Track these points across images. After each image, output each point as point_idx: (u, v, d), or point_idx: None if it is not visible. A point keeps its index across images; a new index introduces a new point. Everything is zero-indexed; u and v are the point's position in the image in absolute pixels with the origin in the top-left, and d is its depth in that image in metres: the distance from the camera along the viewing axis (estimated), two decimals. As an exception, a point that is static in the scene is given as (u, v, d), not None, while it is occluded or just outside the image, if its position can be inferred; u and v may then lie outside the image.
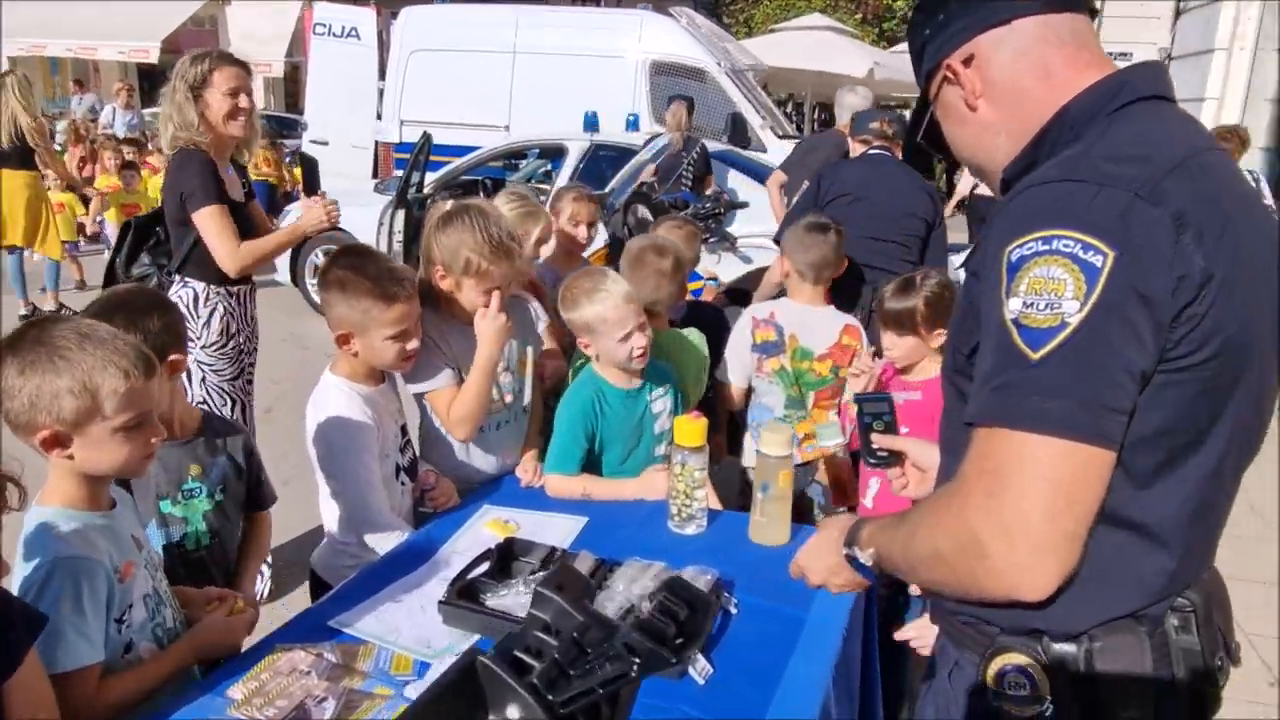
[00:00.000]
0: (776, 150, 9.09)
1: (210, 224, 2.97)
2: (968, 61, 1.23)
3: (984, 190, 5.88)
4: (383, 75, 10.50)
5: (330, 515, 2.09)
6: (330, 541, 2.12)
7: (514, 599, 1.74)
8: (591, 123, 7.84)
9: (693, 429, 2.13)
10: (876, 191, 3.41)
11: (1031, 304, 0.99)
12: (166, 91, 3.02)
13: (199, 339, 3.05)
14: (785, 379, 3.06)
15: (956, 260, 3.95)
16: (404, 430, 2.22)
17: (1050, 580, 1.02)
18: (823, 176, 3.56)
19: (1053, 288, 0.98)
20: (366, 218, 6.91)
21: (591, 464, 2.39)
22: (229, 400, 3.17)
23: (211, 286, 3.09)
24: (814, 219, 3.23)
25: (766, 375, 3.06)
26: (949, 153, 1.37)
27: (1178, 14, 11.73)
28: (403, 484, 2.18)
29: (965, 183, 8.17)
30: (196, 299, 3.07)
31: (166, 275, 3.12)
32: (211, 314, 3.10)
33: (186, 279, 3.09)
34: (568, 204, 3.30)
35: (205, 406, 2.99)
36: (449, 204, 2.31)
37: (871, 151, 3.57)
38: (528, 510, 2.25)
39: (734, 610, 1.84)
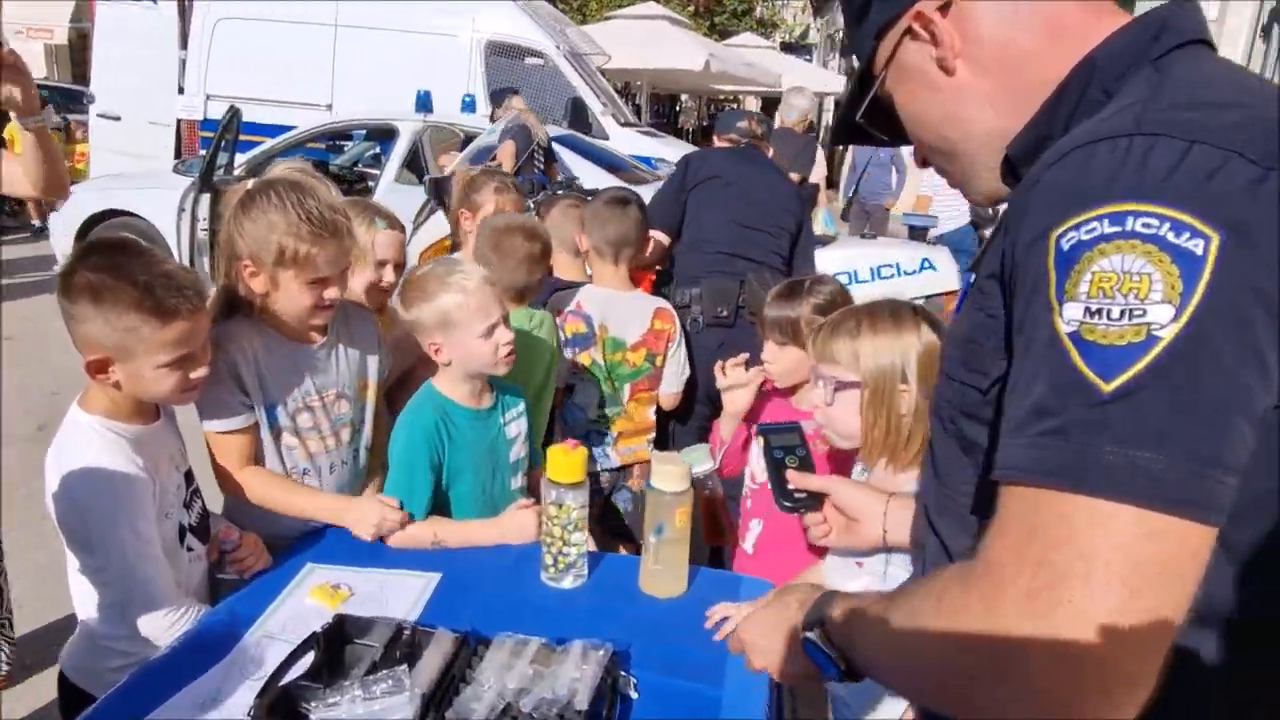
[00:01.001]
0: (619, 138, 8.81)
1: None
2: (945, 9, 0.92)
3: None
4: (185, 44, 9.46)
5: (86, 600, 1.56)
6: (87, 635, 1.58)
7: (349, 710, 1.30)
8: (425, 103, 7.25)
9: (569, 462, 1.75)
10: (749, 179, 3.14)
11: (1100, 310, 0.69)
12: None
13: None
14: (599, 373, 2.77)
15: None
16: (189, 477, 1.71)
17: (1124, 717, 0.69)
18: (691, 160, 3.26)
19: (1131, 286, 0.68)
20: (166, 202, 6.09)
21: (436, 502, 1.96)
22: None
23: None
24: (615, 192, 2.96)
25: (579, 372, 2.77)
26: (898, 133, 1.05)
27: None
28: (190, 550, 1.67)
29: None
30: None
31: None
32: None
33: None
34: (489, 196, 2.80)
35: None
36: (249, 183, 1.81)
37: (740, 146, 3.32)
38: (363, 568, 1.80)
39: (634, 694, 1.47)
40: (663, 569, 1.77)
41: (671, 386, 2.87)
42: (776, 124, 6.15)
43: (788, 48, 25.64)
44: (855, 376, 1.53)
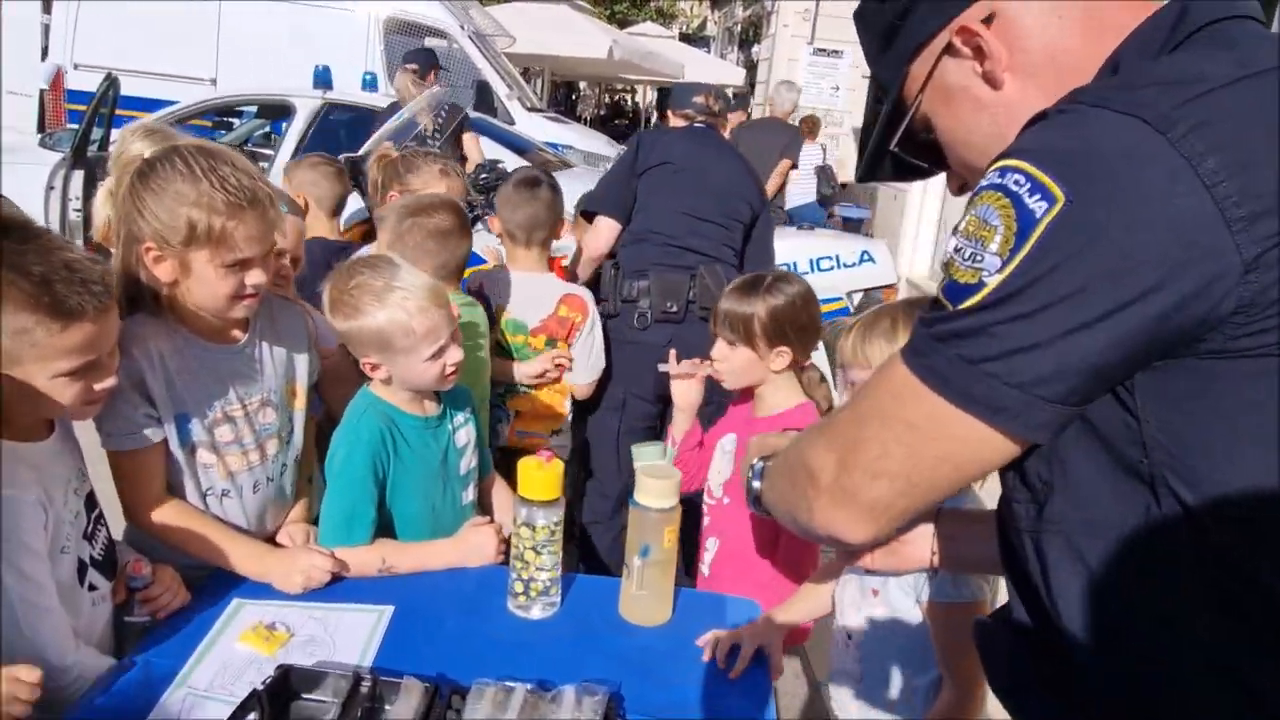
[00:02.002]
0: (526, 123, 8.53)
1: None
2: (988, 21, 0.85)
3: None
4: (48, 8, 8.68)
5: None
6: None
7: (308, 791, 1.08)
8: (324, 79, 6.81)
9: (543, 477, 1.54)
10: (702, 165, 2.96)
11: (960, 249, 0.76)
12: None
13: None
14: (502, 354, 2.65)
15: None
16: (91, 502, 1.42)
17: None
18: (643, 140, 3.05)
19: (982, 234, 0.74)
20: (31, 179, 5.50)
21: (382, 523, 1.72)
22: None
23: None
24: (525, 173, 2.87)
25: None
26: (939, 161, 0.98)
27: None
28: (93, 589, 1.39)
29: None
30: None
31: None
32: None
33: None
34: (432, 180, 2.51)
35: None
36: (147, 151, 1.52)
37: (695, 126, 3.12)
38: (302, 602, 1.55)
39: (636, 745, 1.29)
40: (648, 594, 1.59)
41: (580, 377, 2.75)
42: (768, 113, 7.47)
43: (686, 39, 25.62)
44: None
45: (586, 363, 2.75)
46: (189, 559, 1.55)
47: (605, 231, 3.01)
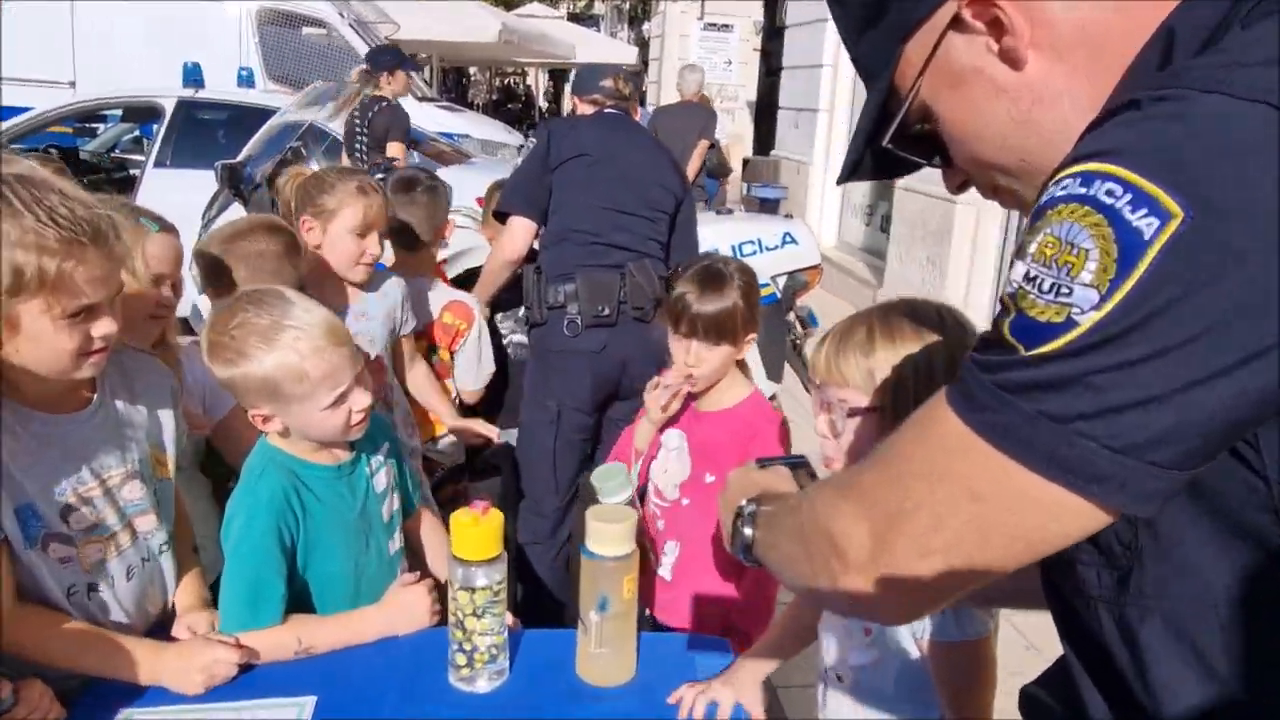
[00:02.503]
0: (418, 114, 8.16)
1: None
2: None
3: None
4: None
5: None
6: None
7: None
8: (194, 76, 6.34)
9: (481, 533, 1.34)
10: (619, 155, 2.75)
11: (1035, 278, 0.60)
12: None
13: None
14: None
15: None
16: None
17: None
18: (554, 131, 2.82)
19: (1067, 259, 0.58)
20: None
21: (296, 595, 1.49)
22: None
23: None
24: (404, 173, 2.81)
25: None
26: (935, 154, 0.83)
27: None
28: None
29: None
30: None
31: None
32: None
33: None
34: (349, 200, 2.19)
35: None
36: None
37: (606, 111, 2.90)
38: (203, 704, 1.32)
39: None
40: (608, 652, 1.40)
41: (466, 384, 2.71)
42: (678, 98, 7.64)
43: (575, 18, 25.23)
44: (867, 400, 1.22)
45: (476, 370, 2.69)
46: (61, 671, 1.30)
47: (521, 233, 2.78)
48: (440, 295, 2.68)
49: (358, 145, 4.84)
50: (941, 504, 0.65)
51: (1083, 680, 0.74)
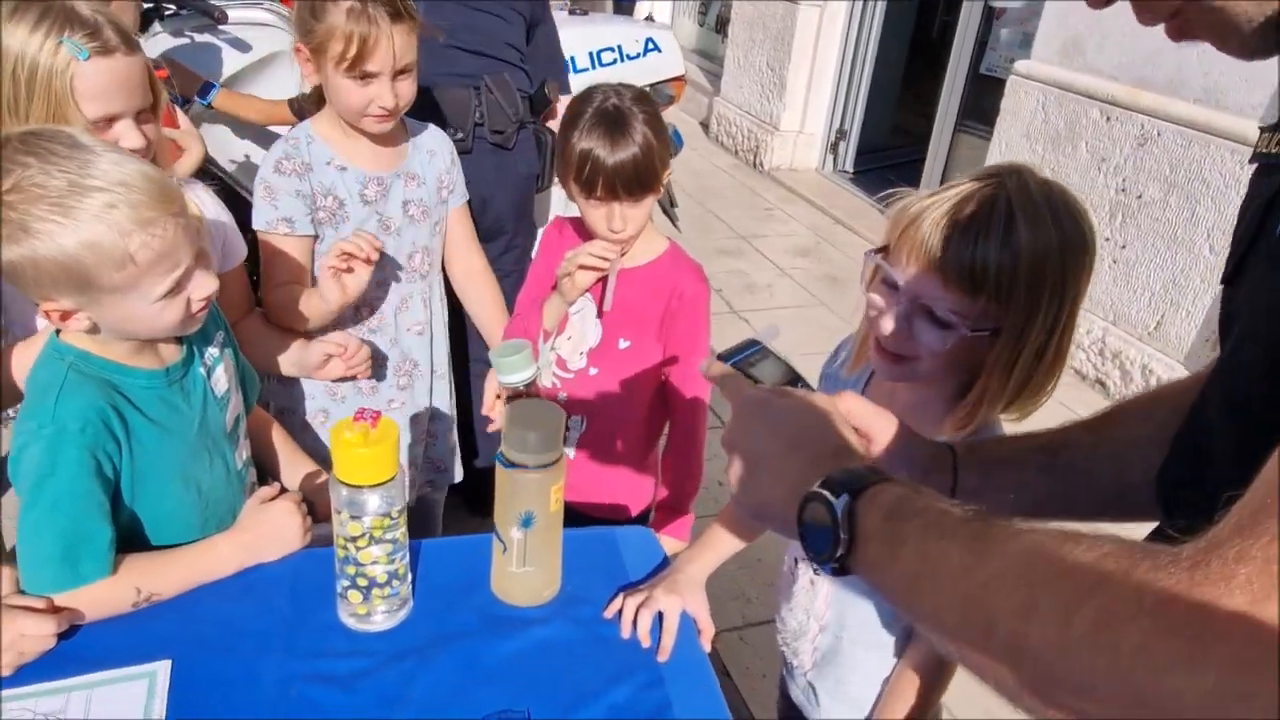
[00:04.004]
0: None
1: None
2: None
3: None
4: None
5: None
6: None
7: None
8: None
9: (372, 454, 1.07)
10: None
11: None
12: None
13: None
14: None
15: None
16: None
17: None
18: None
19: None
20: None
21: (128, 533, 1.18)
22: None
23: None
24: None
25: None
26: None
27: None
28: None
29: None
30: None
31: None
32: None
33: None
34: (341, 26, 1.55)
35: None
36: None
37: None
38: (26, 687, 1.02)
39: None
40: (532, 570, 1.20)
41: None
42: None
43: None
44: (975, 307, 1.00)
45: None
46: None
47: None
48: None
49: None
50: None
51: None
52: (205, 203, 1.62)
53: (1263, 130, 0.72)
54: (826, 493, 0.68)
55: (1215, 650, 0.42)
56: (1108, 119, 3.74)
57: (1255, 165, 0.73)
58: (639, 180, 1.51)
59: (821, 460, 0.73)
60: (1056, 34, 4.00)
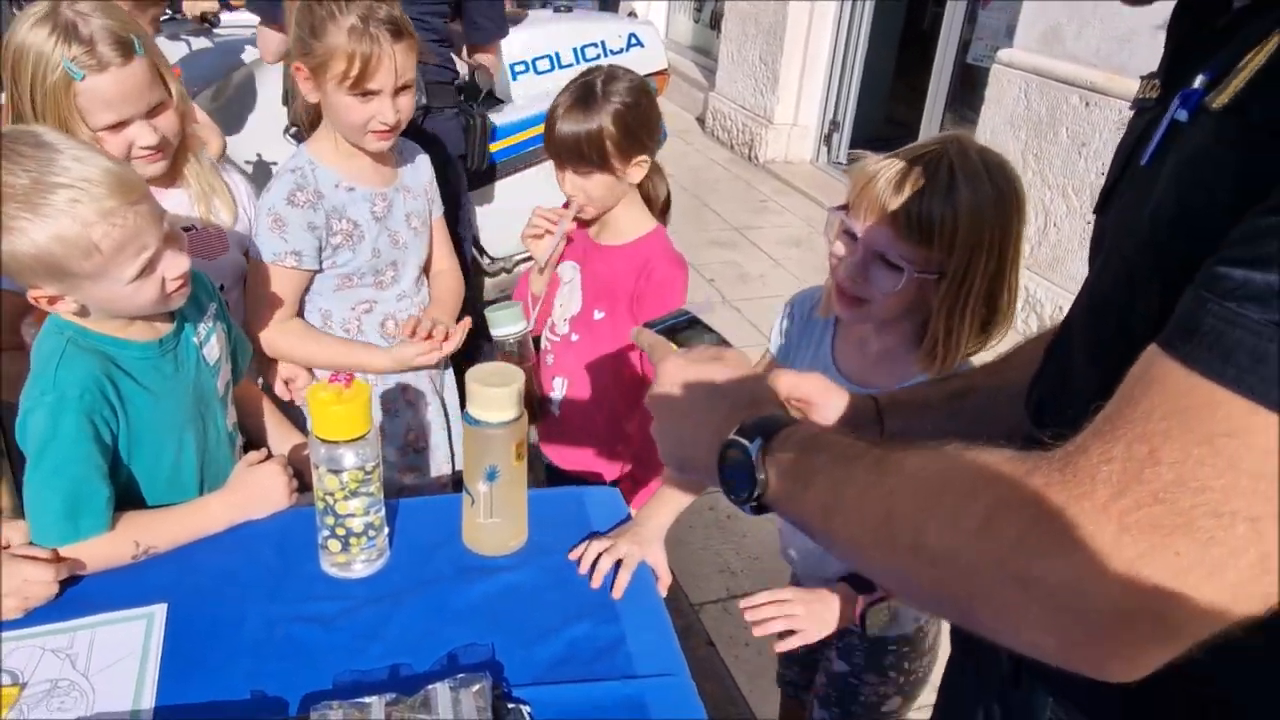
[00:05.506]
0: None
1: None
2: None
3: None
4: None
5: None
6: None
7: None
8: None
9: (348, 411, 1.17)
10: None
11: None
12: None
13: None
14: None
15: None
16: None
17: None
18: None
19: None
20: None
21: (127, 492, 1.28)
22: None
23: None
24: None
25: None
26: None
27: None
28: None
29: None
30: None
31: None
32: None
33: None
34: (342, 41, 1.56)
35: None
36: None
37: None
38: (30, 629, 1.13)
39: (534, 726, 1.05)
40: (499, 521, 1.30)
41: None
42: None
43: None
44: (919, 252, 1.13)
45: None
46: None
47: (273, 42, 2.37)
48: None
49: None
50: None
51: None
52: (239, 187, 1.72)
53: (1143, 78, 0.79)
54: (741, 439, 0.75)
55: (1077, 537, 0.50)
56: (1087, 104, 3.81)
57: (1134, 110, 0.80)
58: (580, 153, 1.61)
59: (738, 410, 0.79)
60: (1036, 22, 4.08)
